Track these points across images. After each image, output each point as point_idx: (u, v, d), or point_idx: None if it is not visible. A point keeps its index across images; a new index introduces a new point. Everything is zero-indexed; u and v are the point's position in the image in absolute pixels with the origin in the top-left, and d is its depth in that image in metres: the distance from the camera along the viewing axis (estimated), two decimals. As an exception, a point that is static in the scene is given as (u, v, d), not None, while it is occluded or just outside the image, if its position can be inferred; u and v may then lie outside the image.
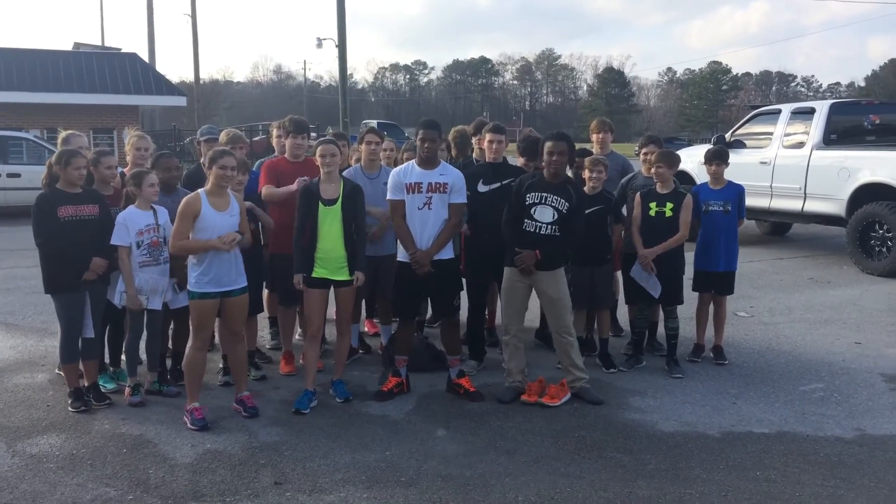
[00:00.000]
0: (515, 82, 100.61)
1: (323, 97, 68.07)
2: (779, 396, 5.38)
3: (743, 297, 7.66)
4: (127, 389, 5.25)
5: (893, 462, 4.33)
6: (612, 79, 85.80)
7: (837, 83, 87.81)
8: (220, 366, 5.68)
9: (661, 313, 6.09)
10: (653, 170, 5.89)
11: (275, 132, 6.04)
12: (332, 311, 5.39)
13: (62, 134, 5.67)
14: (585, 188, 5.70)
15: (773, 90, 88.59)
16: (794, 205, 10.78)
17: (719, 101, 79.43)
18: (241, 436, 4.67)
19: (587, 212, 5.50)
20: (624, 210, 6.14)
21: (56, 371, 5.72)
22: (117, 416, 4.99)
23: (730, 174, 6.33)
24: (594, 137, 6.86)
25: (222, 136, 5.94)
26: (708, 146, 11.00)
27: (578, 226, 5.27)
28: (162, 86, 23.03)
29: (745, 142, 11.82)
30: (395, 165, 5.87)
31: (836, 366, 6.07)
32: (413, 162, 5.33)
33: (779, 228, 13.12)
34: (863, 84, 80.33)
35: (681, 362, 5.93)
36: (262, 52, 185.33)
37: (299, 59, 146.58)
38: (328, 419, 4.95)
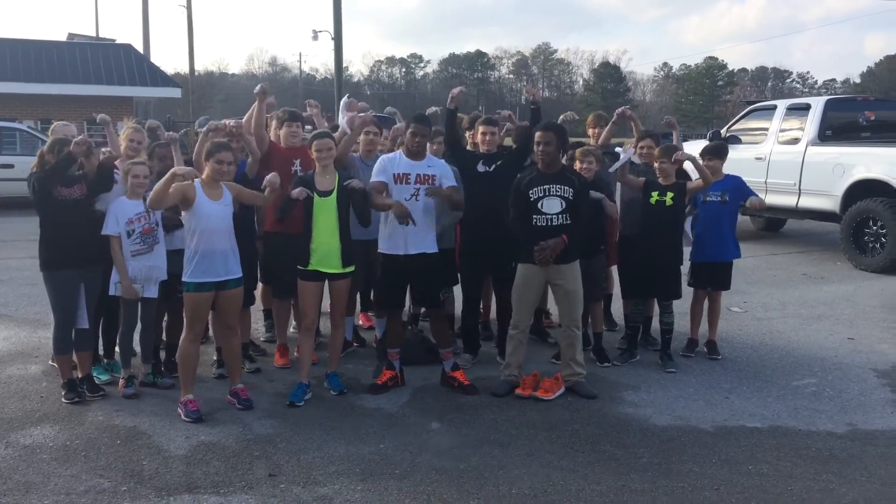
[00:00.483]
0: (511, 76, 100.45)
1: (318, 90, 67.83)
2: (771, 391, 5.40)
3: (736, 292, 7.68)
4: (121, 381, 5.25)
5: (885, 456, 4.36)
6: (608, 74, 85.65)
7: (833, 79, 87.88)
8: (215, 358, 5.68)
9: (657, 308, 6.11)
10: (655, 164, 5.87)
11: (273, 127, 6.04)
12: (326, 304, 5.39)
13: (53, 125, 5.70)
14: None
15: (768, 86, 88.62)
16: (788, 201, 10.81)
17: (715, 97, 79.39)
18: (236, 428, 4.67)
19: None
20: (618, 202, 6.13)
21: (50, 362, 5.71)
22: (111, 407, 4.98)
23: (725, 169, 6.33)
24: (590, 132, 6.86)
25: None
26: (704, 142, 11.04)
27: (584, 210, 5.29)
28: (157, 77, 22.92)
29: (741, 137, 11.84)
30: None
31: (829, 361, 6.10)
32: (401, 152, 5.33)
33: (773, 224, 13.16)
34: (858, 81, 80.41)
35: (674, 357, 5.95)
36: (258, 44, 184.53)
37: (295, 52, 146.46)
38: (322, 412, 4.96)
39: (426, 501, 3.81)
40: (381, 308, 5.66)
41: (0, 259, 10.19)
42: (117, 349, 5.49)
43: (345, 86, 27.65)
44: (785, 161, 10.83)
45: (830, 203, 10.24)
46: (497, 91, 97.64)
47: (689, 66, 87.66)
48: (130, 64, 22.44)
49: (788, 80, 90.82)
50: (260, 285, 6.22)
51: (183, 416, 4.76)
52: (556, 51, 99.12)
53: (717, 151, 6.21)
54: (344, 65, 28.91)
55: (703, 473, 4.12)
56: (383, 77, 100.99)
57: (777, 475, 4.11)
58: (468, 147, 6.47)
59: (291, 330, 6.30)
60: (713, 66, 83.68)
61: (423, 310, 6.80)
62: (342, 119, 6.31)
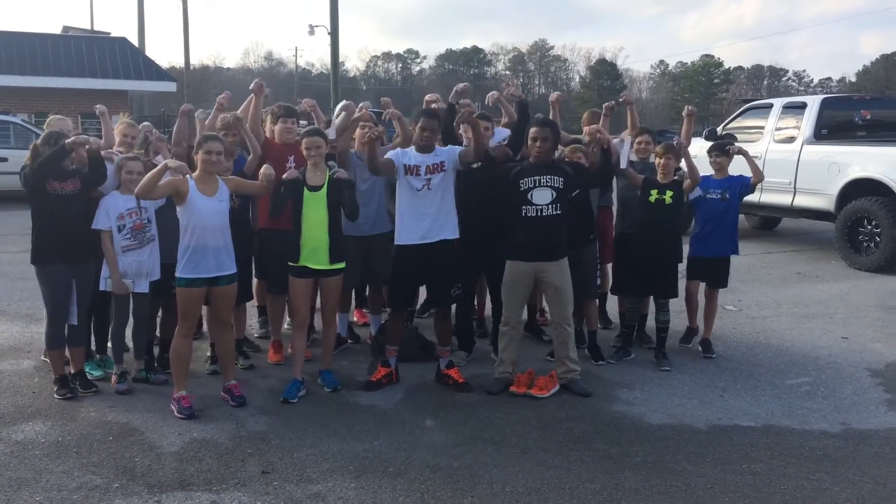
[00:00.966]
0: (508, 72, 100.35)
1: (314, 84, 67.71)
2: (765, 390, 5.41)
3: (731, 290, 7.67)
4: (113, 377, 5.22)
5: (878, 456, 4.37)
6: (605, 71, 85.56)
7: (829, 78, 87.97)
8: (208, 354, 5.66)
9: (652, 306, 6.10)
10: (660, 161, 5.83)
11: (268, 123, 6.02)
12: (319, 301, 5.37)
13: (49, 119, 5.67)
14: None
15: (764, 84, 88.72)
16: (783, 199, 10.82)
17: (710, 95, 79.47)
18: (229, 424, 4.65)
19: (572, 195, 5.53)
20: (614, 199, 6.14)
21: (42, 358, 5.67)
22: (104, 403, 4.96)
23: (722, 167, 6.34)
24: (586, 129, 6.84)
25: (217, 122, 5.92)
26: (699, 139, 11.04)
27: (572, 197, 5.31)
28: (152, 71, 22.85)
29: (737, 136, 11.83)
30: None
31: (823, 360, 6.11)
32: (412, 148, 5.32)
33: (768, 223, 13.18)
34: (854, 79, 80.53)
35: (669, 355, 5.95)
36: (254, 39, 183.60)
37: (291, 46, 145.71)
38: (316, 409, 4.94)
39: (420, 499, 3.80)
40: (389, 304, 5.61)
41: (-7, 253, 10.14)
42: (110, 345, 5.46)
43: (341, 81, 27.57)
44: (780, 160, 10.83)
45: (825, 202, 10.25)
46: (494, 87, 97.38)
47: (686, 63, 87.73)
48: (125, 57, 22.37)
49: (784, 79, 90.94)
50: (255, 281, 6.20)
51: (176, 413, 4.74)
52: (552, 47, 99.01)
53: (724, 149, 6.22)
54: (340, 60, 28.84)
55: (697, 472, 4.12)
56: (379, 72, 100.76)
57: (771, 474, 4.11)
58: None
59: (286, 326, 6.28)
60: (709, 64, 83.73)
61: (419, 307, 6.81)
62: (336, 120, 6.29)
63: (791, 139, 10.86)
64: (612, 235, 6.29)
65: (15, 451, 4.26)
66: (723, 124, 12.66)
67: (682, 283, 6.15)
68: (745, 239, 11.99)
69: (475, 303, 6.52)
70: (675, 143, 5.99)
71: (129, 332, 5.36)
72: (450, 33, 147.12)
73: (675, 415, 4.94)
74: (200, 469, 4.07)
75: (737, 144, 5.99)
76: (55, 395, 5.02)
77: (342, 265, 5.19)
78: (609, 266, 6.53)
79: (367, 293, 6.73)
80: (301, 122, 6.21)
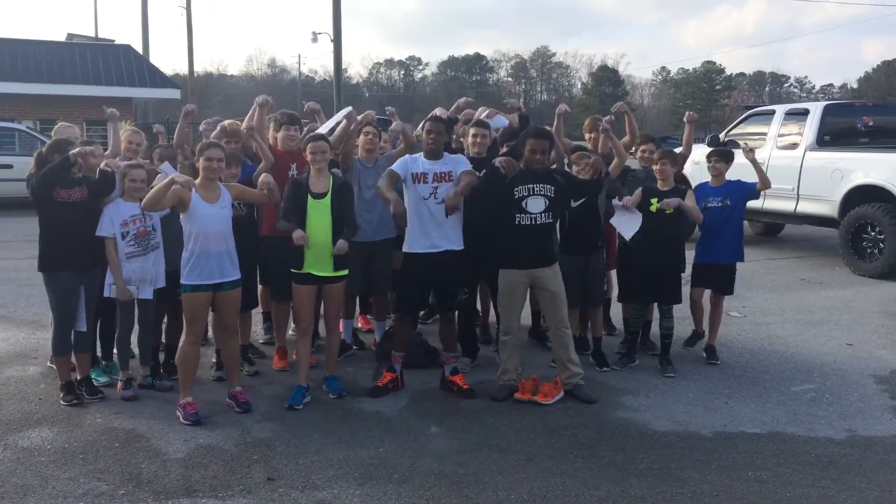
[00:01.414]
0: (510, 79, 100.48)
1: (317, 91, 67.85)
2: (770, 397, 5.40)
3: (735, 297, 7.66)
4: (119, 383, 5.24)
5: (884, 463, 4.36)
6: (607, 77, 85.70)
7: (830, 84, 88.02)
8: (214, 360, 5.67)
9: (656, 312, 6.11)
10: (656, 167, 5.87)
11: (271, 130, 6.05)
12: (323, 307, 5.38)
13: (56, 126, 5.71)
14: None
15: (766, 90, 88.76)
16: (786, 206, 10.82)
17: (712, 101, 79.51)
18: (234, 431, 4.66)
19: (577, 203, 5.56)
20: (615, 202, 6.14)
21: (48, 364, 5.69)
22: (110, 409, 4.97)
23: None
24: (587, 136, 6.85)
25: (202, 126, 5.96)
26: (702, 146, 11.05)
27: (566, 206, 5.39)
28: (156, 78, 22.91)
29: (739, 142, 11.84)
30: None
31: (828, 367, 6.10)
32: (421, 155, 5.34)
33: (771, 229, 13.18)
34: (855, 86, 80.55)
35: (673, 362, 5.95)
36: (257, 46, 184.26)
37: (294, 53, 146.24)
38: (321, 415, 4.95)
39: (425, 506, 3.80)
40: (397, 309, 5.63)
41: (-2, 260, 10.16)
42: (115, 351, 5.47)
43: (343, 88, 27.65)
44: (783, 166, 10.82)
45: (829, 208, 10.24)
46: (496, 94, 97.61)
47: (688, 70, 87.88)
48: (129, 65, 22.44)
49: (786, 85, 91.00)
50: (260, 287, 6.21)
51: (182, 419, 4.74)
52: (554, 54, 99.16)
53: (724, 155, 6.23)
54: (343, 67, 28.91)
55: (702, 479, 4.12)
56: (382, 79, 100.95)
57: (777, 481, 4.11)
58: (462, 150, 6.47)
59: (290, 332, 6.29)
60: (711, 71, 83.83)
61: (422, 313, 6.81)
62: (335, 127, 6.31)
63: (794, 146, 10.86)
64: (617, 243, 6.29)
65: (21, 458, 4.27)
66: (725, 131, 12.67)
67: (687, 290, 6.17)
68: (748, 245, 11.93)
69: (479, 309, 6.53)
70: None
71: (134, 338, 5.37)
72: (452, 40, 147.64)
73: (680, 421, 4.94)
74: (206, 476, 4.07)
75: (749, 148, 6.09)
76: (61, 402, 5.03)
77: (346, 272, 5.20)
78: (613, 272, 6.53)
79: (371, 299, 6.74)
80: (304, 128, 6.24)
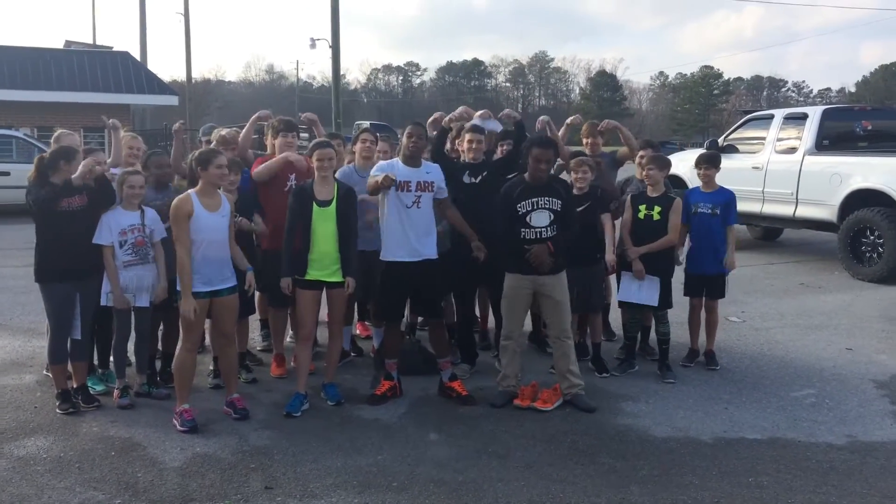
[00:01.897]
0: (508, 84, 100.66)
1: (315, 97, 67.98)
2: (770, 402, 5.38)
3: (734, 302, 7.67)
4: (116, 391, 5.21)
5: (885, 469, 4.33)
6: (605, 82, 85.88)
7: (828, 89, 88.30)
8: (211, 368, 5.64)
9: (653, 318, 6.08)
10: (644, 173, 5.90)
11: (269, 136, 6.03)
12: (324, 314, 5.36)
13: (56, 133, 5.71)
14: (574, 190, 5.70)
15: (763, 95, 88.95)
16: (785, 210, 10.81)
17: (710, 106, 79.68)
18: (232, 439, 4.63)
19: (577, 210, 5.53)
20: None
21: (44, 372, 5.66)
22: (106, 418, 4.94)
23: (722, 179, 6.31)
24: (585, 142, 6.85)
25: (214, 136, 5.93)
26: (701, 150, 11.04)
27: (572, 220, 5.31)
28: (154, 85, 22.92)
29: (738, 146, 11.85)
30: None
31: (828, 372, 6.08)
32: (398, 160, 5.31)
33: (770, 233, 13.17)
34: (853, 90, 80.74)
35: (673, 367, 5.92)
36: (255, 52, 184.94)
37: (292, 60, 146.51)
38: (319, 423, 4.92)
39: (424, 514, 3.78)
40: (380, 318, 5.62)
41: (-5, 267, 10.13)
42: (112, 359, 5.44)
43: (342, 94, 27.65)
44: (782, 170, 10.83)
45: (828, 213, 10.23)
46: (494, 99, 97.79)
47: (685, 75, 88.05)
48: (127, 71, 22.45)
49: (784, 89, 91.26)
50: (257, 294, 6.18)
51: (178, 427, 4.71)
52: (552, 59, 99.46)
53: (711, 160, 6.20)
54: (341, 73, 28.90)
55: (703, 486, 4.09)
56: (380, 85, 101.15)
57: (778, 487, 4.08)
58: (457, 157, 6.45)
59: (288, 339, 6.27)
60: (709, 75, 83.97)
61: (420, 319, 6.79)
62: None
63: (792, 150, 10.86)
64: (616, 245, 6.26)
65: (17, 467, 4.24)
66: (724, 135, 12.68)
67: (681, 297, 6.15)
68: (747, 250, 12.03)
69: (478, 315, 6.50)
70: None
71: (131, 346, 5.34)
72: (450, 46, 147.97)
73: (680, 427, 4.91)
74: (203, 484, 4.04)
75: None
76: (57, 410, 5.00)
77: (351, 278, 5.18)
78: (612, 278, 6.50)
79: (368, 306, 6.71)
80: (302, 135, 6.23)
